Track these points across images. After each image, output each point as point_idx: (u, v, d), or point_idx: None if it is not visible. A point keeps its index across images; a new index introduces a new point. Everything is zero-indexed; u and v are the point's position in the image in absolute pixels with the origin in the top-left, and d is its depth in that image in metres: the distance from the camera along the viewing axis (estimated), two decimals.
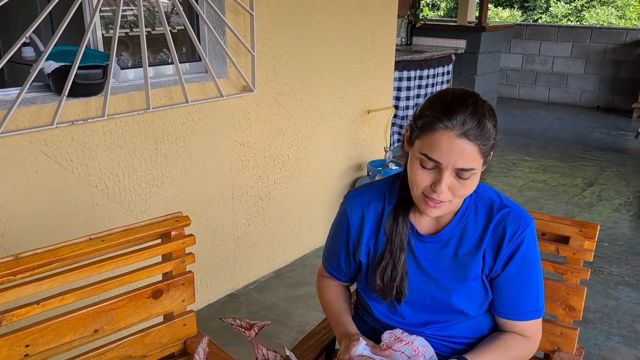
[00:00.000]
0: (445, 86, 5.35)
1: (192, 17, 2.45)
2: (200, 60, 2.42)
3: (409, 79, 4.84)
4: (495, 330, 1.29)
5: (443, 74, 5.25)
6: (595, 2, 10.47)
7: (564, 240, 1.41)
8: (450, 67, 5.35)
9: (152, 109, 2.14)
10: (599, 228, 1.38)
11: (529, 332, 1.24)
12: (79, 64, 1.88)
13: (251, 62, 2.51)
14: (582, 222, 1.39)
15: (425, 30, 5.67)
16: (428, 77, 5.05)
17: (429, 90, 5.12)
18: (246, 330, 0.76)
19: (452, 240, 1.22)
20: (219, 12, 2.32)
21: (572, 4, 10.71)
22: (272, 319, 2.58)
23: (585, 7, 10.69)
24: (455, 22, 6.43)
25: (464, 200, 1.21)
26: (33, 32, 1.84)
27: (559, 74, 7.54)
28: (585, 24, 10.29)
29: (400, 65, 4.71)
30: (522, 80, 7.81)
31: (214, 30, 2.31)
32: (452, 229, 1.22)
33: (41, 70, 1.88)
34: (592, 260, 1.36)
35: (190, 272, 1.44)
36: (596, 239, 1.36)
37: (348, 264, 1.33)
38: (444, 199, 1.11)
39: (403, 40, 5.56)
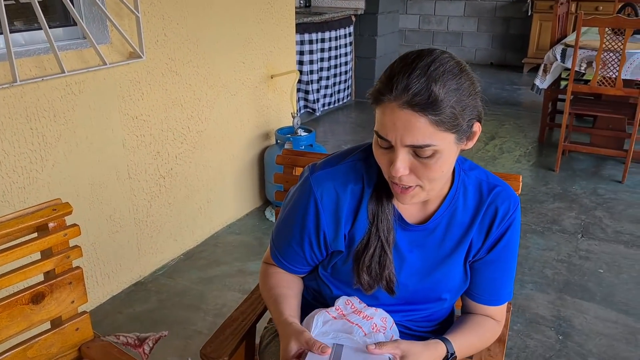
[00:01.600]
0: (349, 49, 5.26)
1: None
2: (75, 24, 2.12)
3: (310, 42, 4.69)
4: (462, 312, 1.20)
5: (345, 35, 5.15)
6: None
7: None
8: (352, 28, 5.26)
9: (19, 82, 1.84)
10: (521, 179, 1.33)
11: (500, 315, 1.17)
12: None
13: (136, 24, 2.24)
14: (502, 174, 1.32)
15: None
16: (330, 39, 4.93)
17: (333, 53, 5.01)
18: (136, 347, 0.59)
19: (439, 227, 1.08)
20: None
21: None
22: (186, 304, 2.39)
23: None
24: None
25: (453, 182, 1.07)
26: None
27: (454, 33, 7.72)
28: None
29: (300, 28, 4.54)
30: (420, 40, 7.92)
31: None
32: (440, 215, 1.08)
33: None
34: None
35: (78, 268, 1.23)
36: (520, 191, 1.30)
37: (314, 255, 1.12)
38: (406, 183, 0.96)
39: (302, 2, 5.38)
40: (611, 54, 3.42)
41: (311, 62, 4.76)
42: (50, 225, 1.17)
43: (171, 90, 2.51)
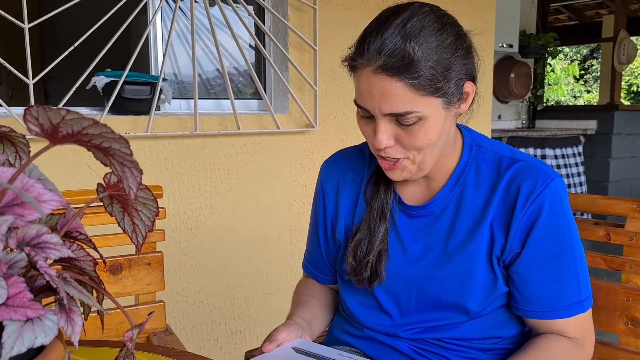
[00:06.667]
0: (577, 169, 4.78)
1: (259, 54, 2.50)
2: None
3: None
4: (527, 334, 0.96)
5: (574, 155, 4.73)
6: None
7: (616, 225, 1.02)
8: (580, 148, 4.82)
9: (199, 131, 2.13)
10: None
11: (574, 332, 0.88)
12: (127, 78, 1.95)
13: (314, 98, 2.44)
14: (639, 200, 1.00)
15: (550, 113, 5.27)
16: (553, 157, 4.58)
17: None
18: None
19: (447, 210, 0.93)
20: (282, 49, 2.32)
21: None
22: None
23: None
24: (582, 104, 5.91)
25: (462, 157, 0.94)
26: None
27: None
28: None
29: (515, 142, 4.36)
30: None
31: (276, 68, 2.31)
32: (446, 195, 0.93)
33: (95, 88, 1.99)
34: None
35: (159, 252, 1.29)
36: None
37: (330, 251, 1.09)
38: (393, 155, 0.88)
39: (524, 122, 5.20)
40: None
41: None
42: None
43: None
